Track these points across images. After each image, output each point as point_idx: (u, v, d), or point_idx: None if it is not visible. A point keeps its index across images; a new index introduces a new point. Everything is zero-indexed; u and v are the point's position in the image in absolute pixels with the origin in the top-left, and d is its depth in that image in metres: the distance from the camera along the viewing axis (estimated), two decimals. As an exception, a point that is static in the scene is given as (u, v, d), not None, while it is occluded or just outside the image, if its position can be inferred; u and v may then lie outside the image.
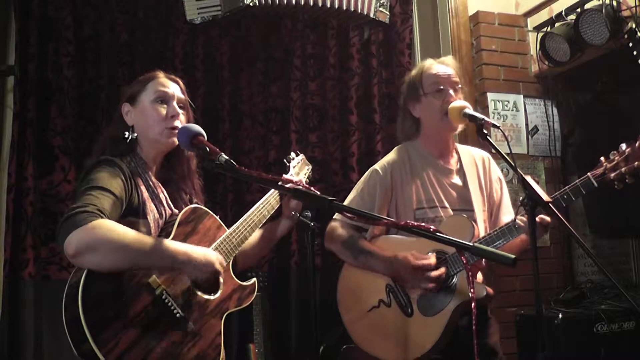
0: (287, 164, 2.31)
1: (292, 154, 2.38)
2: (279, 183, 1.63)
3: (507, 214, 2.37)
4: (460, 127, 2.36)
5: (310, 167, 2.43)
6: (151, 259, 1.65)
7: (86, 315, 1.52)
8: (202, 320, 1.77)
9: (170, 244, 1.71)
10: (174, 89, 1.92)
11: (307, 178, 2.35)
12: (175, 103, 1.90)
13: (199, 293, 1.78)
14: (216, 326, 1.81)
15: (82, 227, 1.56)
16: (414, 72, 2.44)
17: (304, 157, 2.41)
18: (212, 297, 1.81)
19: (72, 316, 1.55)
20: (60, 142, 3.11)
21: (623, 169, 1.98)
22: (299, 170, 2.32)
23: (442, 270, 2.16)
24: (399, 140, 2.52)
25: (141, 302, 1.64)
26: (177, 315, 1.70)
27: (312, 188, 1.50)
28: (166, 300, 1.68)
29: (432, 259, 2.16)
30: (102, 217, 1.60)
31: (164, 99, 1.89)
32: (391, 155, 2.44)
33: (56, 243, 1.60)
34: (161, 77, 1.94)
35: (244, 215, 2.02)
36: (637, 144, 1.99)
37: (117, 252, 1.60)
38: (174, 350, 1.67)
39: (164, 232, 1.81)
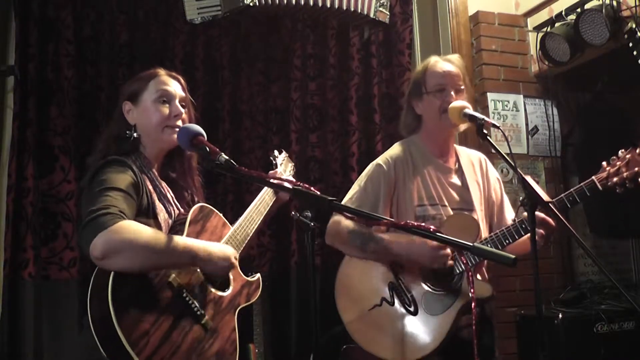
0: (274, 162, 2.33)
1: (275, 152, 2.40)
2: (278, 182, 1.64)
3: (510, 212, 2.39)
4: (462, 127, 2.37)
5: (293, 164, 2.45)
6: (175, 257, 1.67)
7: (117, 315, 1.53)
8: (218, 316, 1.79)
9: (190, 241, 1.73)
10: (175, 87, 1.92)
11: (291, 176, 2.38)
12: (177, 102, 1.90)
13: (213, 290, 1.80)
14: (231, 322, 1.84)
15: (107, 230, 1.57)
16: (419, 68, 2.45)
17: (286, 154, 2.44)
18: (224, 294, 1.84)
19: (101, 316, 1.55)
20: (60, 142, 3.11)
21: (625, 174, 2.02)
22: (284, 168, 2.35)
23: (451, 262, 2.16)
24: (401, 133, 2.52)
25: (164, 300, 1.66)
26: (198, 312, 1.71)
27: (311, 188, 1.50)
28: (187, 299, 1.70)
29: (447, 249, 2.16)
30: (124, 219, 1.61)
31: (167, 97, 1.89)
32: (394, 150, 2.44)
33: (79, 245, 1.61)
34: (162, 74, 1.93)
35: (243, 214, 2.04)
36: (637, 150, 2.02)
37: (144, 253, 1.61)
38: (196, 347, 1.69)
39: (174, 230, 1.81)
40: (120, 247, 1.57)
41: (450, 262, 2.15)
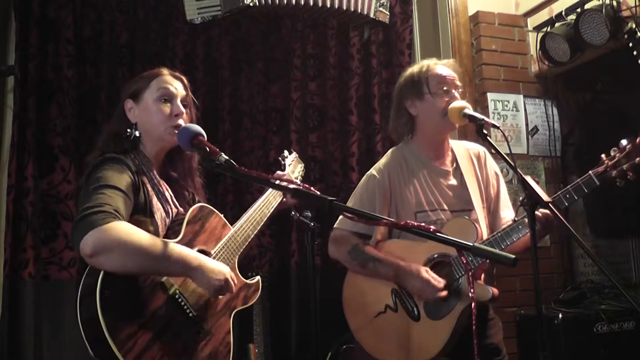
0: (282, 162, 2.32)
1: (285, 152, 2.39)
2: (278, 182, 1.63)
3: (506, 209, 2.36)
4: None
5: (303, 165, 2.44)
6: (167, 264, 1.65)
7: (105, 316, 1.52)
8: (213, 319, 1.78)
9: (184, 250, 1.70)
10: (177, 86, 1.92)
11: (301, 176, 2.37)
12: (178, 101, 1.89)
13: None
14: (226, 324, 1.82)
15: (99, 228, 1.56)
16: (415, 69, 2.39)
17: (296, 155, 2.43)
18: (220, 296, 1.82)
19: (89, 316, 1.54)
20: (60, 142, 3.11)
21: (624, 166, 1.96)
22: (293, 168, 2.34)
23: (445, 293, 2.16)
24: (392, 137, 2.50)
25: (156, 301, 1.65)
26: (191, 314, 1.71)
27: (312, 188, 1.50)
28: (180, 300, 1.69)
29: (442, 283, 2.16)
30: (118, 218, 1.60)
31: (168, 97, 1.88)
32: (387, 158, 2.41)
33: (73, 242, 1.60)
34: (165, 74, 1.93)
35: (243, 214, 2.03)
36: (637, 140, 1.97)
37: (134, 256, 1.59)
38: (188, 349, 1.68)
39: (171, 230, 1.80)
40: (111, 246, 1.55)
41: (442, 293, 2.14)
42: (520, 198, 1.80)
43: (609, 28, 3.17)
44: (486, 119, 2.01)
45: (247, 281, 1.96)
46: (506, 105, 3.78)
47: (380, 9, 3.61)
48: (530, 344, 3.24)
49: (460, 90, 2.31)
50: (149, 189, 1.80)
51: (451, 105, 2.18)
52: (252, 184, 3.29)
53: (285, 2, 3.35)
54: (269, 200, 2.08)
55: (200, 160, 1.93)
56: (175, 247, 1.67)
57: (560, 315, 3.14)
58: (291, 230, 3.42)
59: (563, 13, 3.50)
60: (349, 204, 2.38)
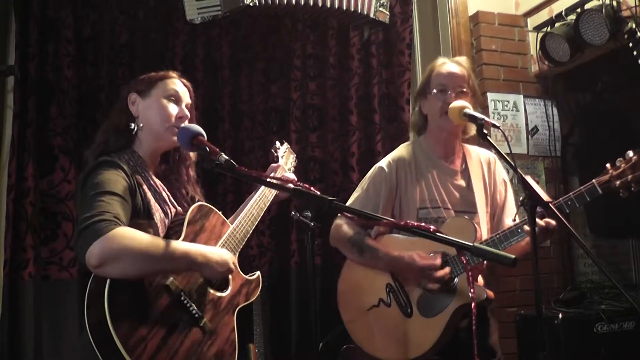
0: (275, 154, 2.32)
1: (277, 143, 2.39)
2: (278, 182, 1.64)
3: (510, 217, 2.35)
4: (472, 131, 2.35)
5: (295, 155, 2.44)
6: (172, 263, 1.66)
7: (114, 323, 1.52)
8: (217, 317, 1.79)
9: (187, 246, 1.72)
10: (185, 92, 1.94)
11: (293, 167, 2.38)
12: (184, 105, 1.91)
13: (212, 291, 1.80)
14: (230, 322, 1.84)
15: (103, 237, 1.55)
16: (428, 68, 2.46)
17: (288, 145, 2.43)
18: (223, 294, 1.83)
19: (97, 321, 1.54)
20: (60, 142, 3.11)
21: (629, 177, 1.94)
22: (286, 159, 2.34)
23: (447, 270, 2.16)
24: (410, 129, 2.54)
25: (162, 304, 1.65)
26: (196, 315, 1.71)
27: (312, 188, 1.50)
28: (185, 302, 1.70)
29: (437, 260, 2.17)
30: (120, 225, 1.60)
31: (177, 98, 1.90)
32: (397, 152, 2.44)
33: (75, 253, 1.60)
34: (176, 77, 1.95)
35: (241, 210, 2.04)
36: None
37: (141, 260, 1.60)
38: (195, 351, 1.69)
39: (172, 231, 1.80)
40: (117, 255, 1.55)
41: (435, 285, 2.15)
42: (521, 198, 1.80)
43: (609, 28, 3.17)
44: (486, 118, 2.01)
45: (248, 277, 1.96)
46: (506, 105, 3.78)
47: (380, 9, 3.61)
48: (530, 344, 3.24)
49: (464, 89, 2.31)
50: (146, 190, 1.80)
51: (451, 105, 2.19)
52: (252, 184, 3.27)
53: (285, 2, 3.35)
54: (265, 194, 2.10)
55: (200, 160, 1.94)
56: (178, 244, 1.69)
57: (560, 315, 3.13)
58: (291, 230, 3.42)
59: (563, 13, 3.50)
60: (355, 194, 2.42)
